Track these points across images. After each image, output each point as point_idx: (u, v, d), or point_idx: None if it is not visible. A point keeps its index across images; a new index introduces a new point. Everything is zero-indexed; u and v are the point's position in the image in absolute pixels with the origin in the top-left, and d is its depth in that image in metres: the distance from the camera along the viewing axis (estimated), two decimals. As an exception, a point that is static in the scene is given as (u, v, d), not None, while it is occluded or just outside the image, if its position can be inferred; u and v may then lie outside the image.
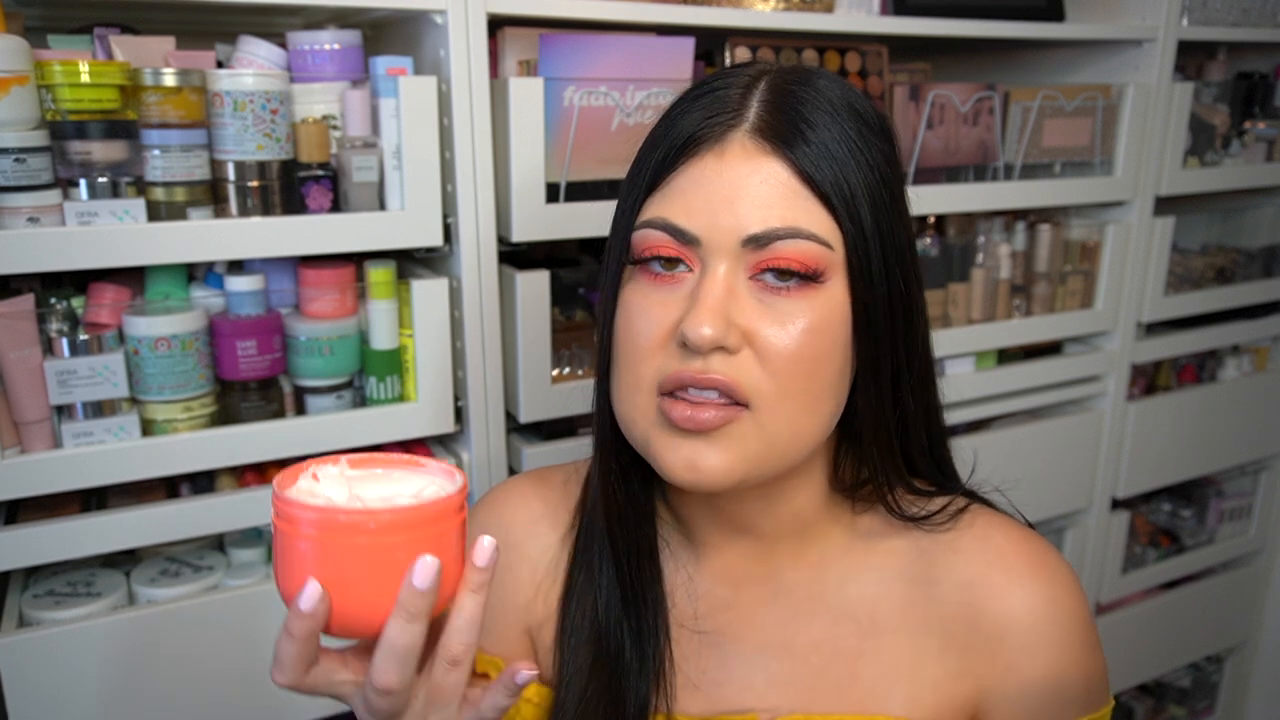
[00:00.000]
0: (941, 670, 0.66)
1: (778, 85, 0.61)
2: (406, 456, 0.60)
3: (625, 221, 0.63)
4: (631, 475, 0.69)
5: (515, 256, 1.09)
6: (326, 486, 0.55)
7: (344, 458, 0.58)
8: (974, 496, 0.72)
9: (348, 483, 0.56)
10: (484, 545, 0.55)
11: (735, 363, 0.58)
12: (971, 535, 0.68)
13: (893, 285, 0.61)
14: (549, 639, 0.73)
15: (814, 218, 0.58)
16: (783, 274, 0.58)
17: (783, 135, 0.58)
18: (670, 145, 0.60)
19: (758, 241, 0.57)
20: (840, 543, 0.69)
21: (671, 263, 0.60)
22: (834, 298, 0.59)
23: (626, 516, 0.69)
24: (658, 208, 0.60)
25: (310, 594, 0.51)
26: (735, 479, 0.60)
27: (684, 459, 0.59)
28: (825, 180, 0.58)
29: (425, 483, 0.57)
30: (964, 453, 0.75)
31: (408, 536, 0.52)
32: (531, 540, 0.75)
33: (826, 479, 0.68)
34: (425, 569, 0.52)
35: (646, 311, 0.60)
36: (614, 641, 0.69)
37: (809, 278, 0.58)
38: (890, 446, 0.65)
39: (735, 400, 0.58)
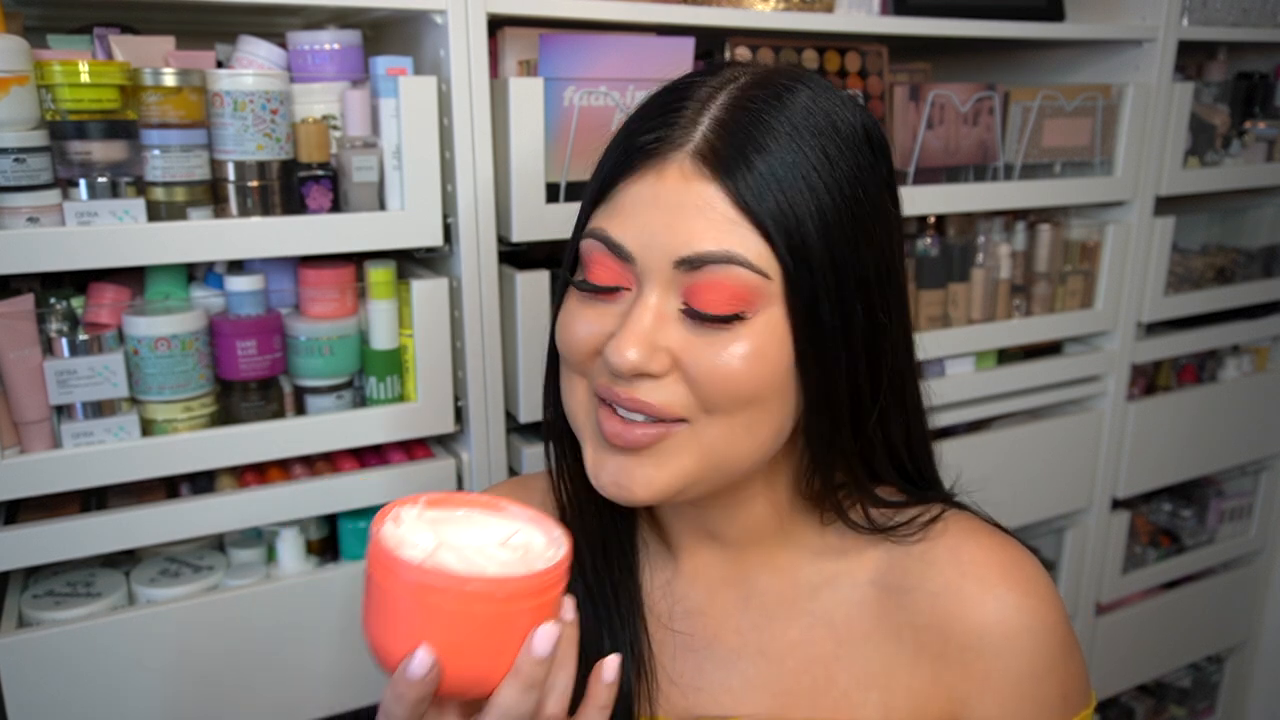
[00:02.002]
0: (916, 679, 0.66)
1: (737, 102, 0.58)
2: (483, 497, 0.59)
3: (579, 225, 0.63)
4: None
5: (515, 256, 1.09)
6: (410, 531, 0.54)
7: (422, 498, 0.57)
8: (950, 502, 0.71)
9: (431, 526, 0.55)
10: (567, 606, 0.55)
11: (661, 387, 0.58)
12: (943, 545, 0.67)
13: (848, 315, 0.58)
14: None
15: (750, 245, 0.56)
16: (706, 317, 0.56)
17: (723, 161, 0.56)
18: (618, 157, 0.60)
19: (690, 264, 0.56)
20: (811, 548, 0.69)
21: (607, 291, 0.60)
22: (770, 326, 0.57)
23: (588, 511, 0.70)
24: (601, 218, 0.60)
25: (421, 662, 0.50)
26: (668, 493, 0.59)
27: (611, 476, 0.60)
28: (764, 211, 0.56)
29: (512, 528, 0.57)
30: (954, 457, 0.75)
31: (532, 604, 0.52)
32: None
33: (790, 487, 0.68)
34: (545, 638, 0.52)
35: (581, 318, 0.61)
36: (592, 636, 0.69)
37: (734, 319, 0.57)
38: (852, 470, 0.64)
39: (666, 420, 0.58)
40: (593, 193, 0.62)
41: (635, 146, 0.59)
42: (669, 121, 0.59)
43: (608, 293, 0.60)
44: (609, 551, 0.70)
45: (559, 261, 1.15)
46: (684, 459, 0.59)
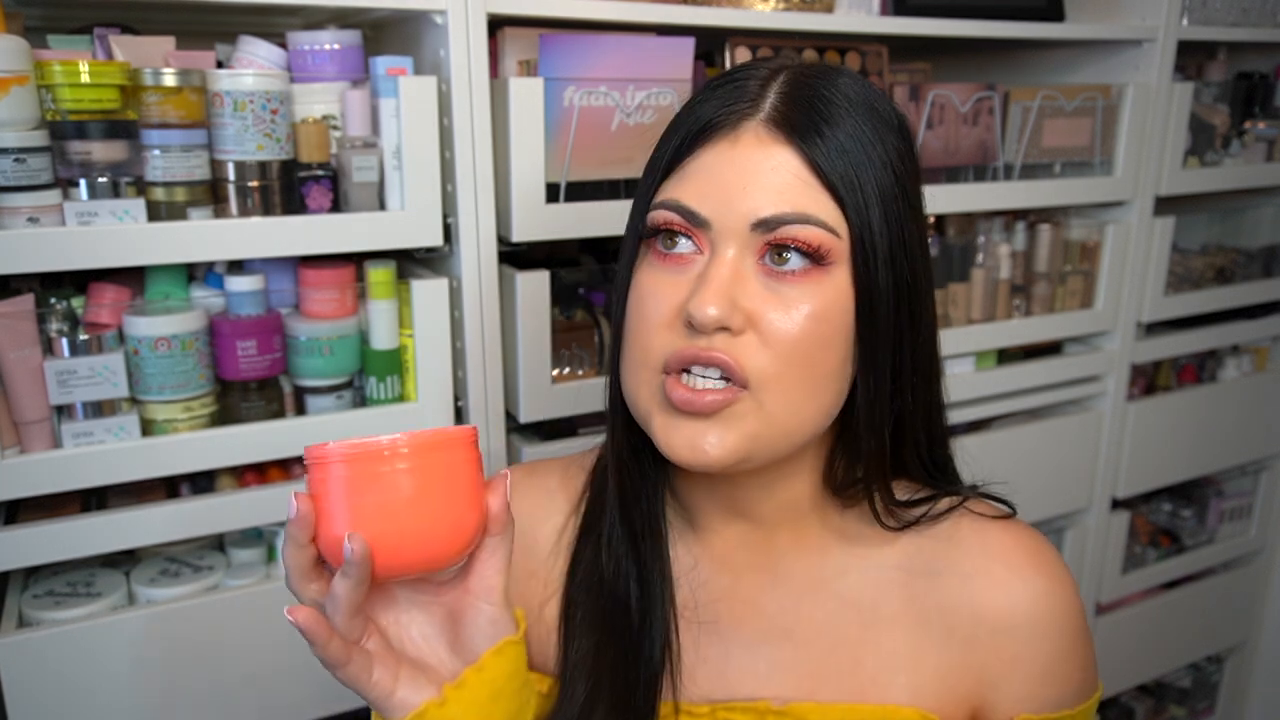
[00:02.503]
0: (944, 661, 0.67)
1: (797, 79, 0.62)
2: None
3: (642, 203, 0.65)
4: (642, 451, 0.70)
5: (515, 256, 1.09)
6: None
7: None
8: (970, 492, 0.72)
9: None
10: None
11: (738, 344, 0.59)
12: (969, 529, 0.69)
13: (899, 279, 0.62)
14: (550, 619, 0.73)
15: (822, 206, 0.59)
16: (786, 251, 0.59)
17: (796, 126, 0.59)
18: (687, 131, 0.62)
19: (767, 225, 0.59)
20: (840, 531, 0.70)
21: (674, 236, 0.62)
22: (838, 286, 0.60)
23: (638, 490, 0.71)
24: (672, 190, 0.62)
25: (352, 540, 0.54)
26: (736, 458, 0.61)
27: (685, 439, 0.61)
28: (835, 172, 0.59)
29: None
30: (961, 454, 0.76)
31: (421, 461, 0.56)
32: (531, 529, 0.76)
33: (820, 474, 0.69)
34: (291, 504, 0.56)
35: (656, 291, 0.62)
36: (622, 618, 0.69)
37: (814, 258, 0.59)
38: (882, 445, 0.65)
39: (735, 381, 0.59)
40: (661, 169, 0.63)
41: (703, 120, 0.62)
42: (736, 96, 0.62)
43: (678, 250, 0.62)
44: (650, 529, 0.71)
45: (559, 261, 1.15)
46: (749, 423, 0.60)
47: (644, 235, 0.64)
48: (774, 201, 0.59)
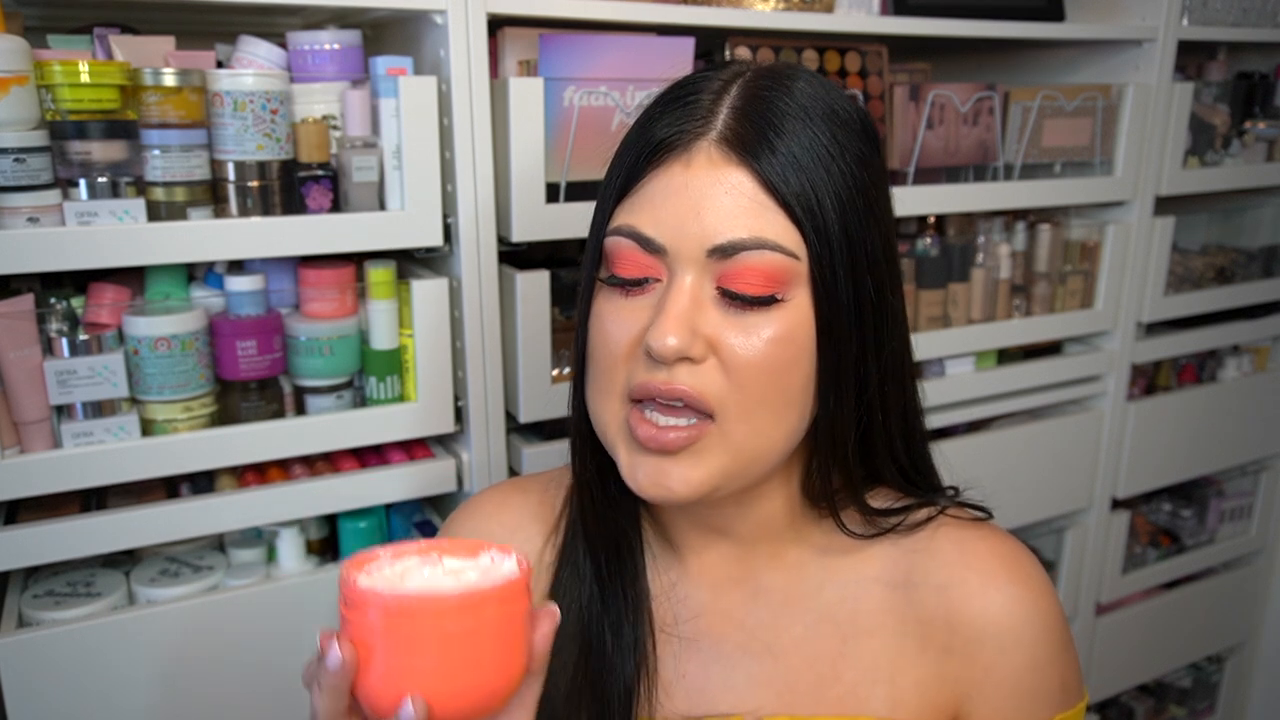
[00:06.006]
0: (922, 672, 0.66)
1: (750, 91, 0.60)
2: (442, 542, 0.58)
3: (599, 226, 0.63)
4: (608, 474, 0.69)
5: (515, 256, 1.09)
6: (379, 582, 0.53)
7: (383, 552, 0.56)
8: (949, 498, 0.72)
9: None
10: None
11: (700, 372, 0.58)
12: (946, 539, 0.68)
13: (860, 293, 0.60)
14: None
15: (779, 229, 0.58)
16: (743, 299, 0.58)
17: (749, 145, 0.58)
18: (640, 152, 0.61)
19: (724, 252, 0.57)
20: (818, 545, 0.70)
21: (635, 284, 0.60)
22: (799, 308, 0.59)
23: (603, 513, 0.70)
24: (627, 215, 0.60)
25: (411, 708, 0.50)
26: (702, 492, 0.60)
27: (650, 478, 0.60)
28: (790, 191, 0.57)
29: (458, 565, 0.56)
30: (954, 457, 0.75)
31: (489, 614, 0.51)
32: None
33: (798, 489, 0.68)
34: (333, 651, 0.51)
35: (617, 318, 0.61)
36: (596, 638, 0.69)
37: (770, 300, 0.58)
38: (847, 459, 0.64)
39: (700, 410, 0.58)
40: (615, 191, 0.62)
41: (656, 140, 0.60)
42: (688, 114, 0.60)
43: (638, 286, 0.60)
44: (620, 554, 0.71)
45: (559, 261, 1.15)
46: (715, 456, 0.60)
47: (600, 276, 0.62)
48: (730, 227, 0.57)
